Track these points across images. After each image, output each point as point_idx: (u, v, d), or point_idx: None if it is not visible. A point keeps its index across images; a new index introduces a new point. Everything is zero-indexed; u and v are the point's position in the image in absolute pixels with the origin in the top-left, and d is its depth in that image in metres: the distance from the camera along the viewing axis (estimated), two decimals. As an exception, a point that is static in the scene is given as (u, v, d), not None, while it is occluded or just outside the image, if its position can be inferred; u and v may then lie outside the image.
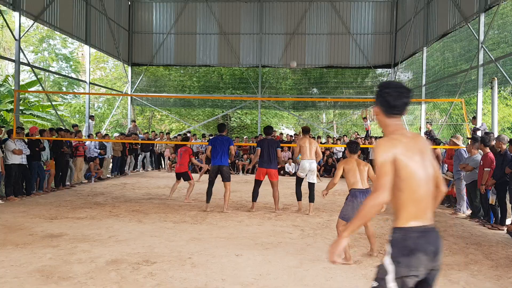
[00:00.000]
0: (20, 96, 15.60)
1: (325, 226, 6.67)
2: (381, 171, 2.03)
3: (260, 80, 19.27)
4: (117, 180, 12.84)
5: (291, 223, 6.82)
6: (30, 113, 17.03)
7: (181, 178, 9.03)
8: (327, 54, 18.81)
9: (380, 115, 2.19)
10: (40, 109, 17.64)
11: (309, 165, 7.69)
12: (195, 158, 11.25)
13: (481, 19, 10.47)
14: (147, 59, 19.41)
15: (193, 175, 10.08)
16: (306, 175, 7.77)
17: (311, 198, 7.70)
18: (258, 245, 5.39)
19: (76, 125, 13.61)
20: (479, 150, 7.47)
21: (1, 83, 16.93)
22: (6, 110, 15.96)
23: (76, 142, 11.58)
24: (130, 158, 15.12)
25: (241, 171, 15.63)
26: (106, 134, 15.50)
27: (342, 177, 4.85)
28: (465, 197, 8.06)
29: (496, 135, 8.54)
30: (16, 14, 11.49)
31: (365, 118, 17.45)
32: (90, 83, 16.53)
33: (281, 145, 15.63)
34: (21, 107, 15.89)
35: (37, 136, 9.80)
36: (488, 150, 7.07)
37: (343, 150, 15.03)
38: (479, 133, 8.82)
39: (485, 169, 6.91)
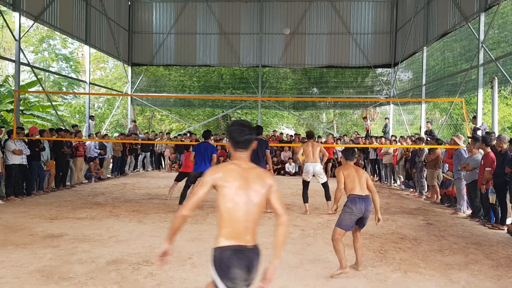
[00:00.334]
0: (20, 97, 15.62)
1: (325, 226, 6.68)
2: (193, 191, 2.27)
3: (260, 80, 19.27)
4: (117, 180, 12.84)
5: (291, 223, 6.80)
6: (30, 113, 17.03)
7: (182, 180, 9.01)
8: (327, 54, 18.80)
9: (230, 148, 2.42)
10: (40, 109, 17.65)
11: (313, 168, 7.97)
12: None
13: (481, 19, 10.46)
14: (147, 59, 19.40)
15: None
16: (310, 178, 8.02)
17: (327, 197, 8.00)
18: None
19: (76, 125, 13.60)
20: (479, 149, 7.47)
21: (1, 83, 16.93)
22: (6, 111, 15.96)
23: (76, 142, 11.58)
24: (130, 158, 15.13)
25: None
26: (106, 134, 15.49)
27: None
28: (465, 196, 8.06)
29: (496, 134, 8.53)
30: (16, 14, 11.49)
31: (365, 117, 17.45)
32: (90, 83, 16.53)
33: (281, 145, 15.95)
34: (21, 107, 15.90)
35: (37, 136, 9.81)
36: (489, 149, 7.08)
37: (342, 150, 14.95)
38: (479, 133, 8.81)
39: (486, 168, 6.92)
